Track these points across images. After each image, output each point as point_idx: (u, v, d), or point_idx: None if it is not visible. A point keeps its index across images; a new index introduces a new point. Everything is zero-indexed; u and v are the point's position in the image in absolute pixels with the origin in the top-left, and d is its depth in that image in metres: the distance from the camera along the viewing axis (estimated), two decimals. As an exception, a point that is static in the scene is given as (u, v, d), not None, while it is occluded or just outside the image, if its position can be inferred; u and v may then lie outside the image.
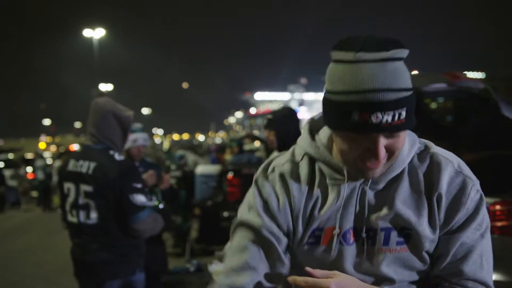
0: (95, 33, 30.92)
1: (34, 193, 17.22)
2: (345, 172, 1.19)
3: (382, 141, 1.09)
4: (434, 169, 1.19)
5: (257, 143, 12.22)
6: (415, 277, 1.23)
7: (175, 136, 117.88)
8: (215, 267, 4.07)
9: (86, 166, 2.71)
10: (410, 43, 1.44)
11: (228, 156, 12.08)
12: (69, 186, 2.76)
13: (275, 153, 2.88)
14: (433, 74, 3.90)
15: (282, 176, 1.27)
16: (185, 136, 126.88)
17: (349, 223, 1.21)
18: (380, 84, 1.03)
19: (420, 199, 1.18)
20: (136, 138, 3.81)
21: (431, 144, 1.26)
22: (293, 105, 63.51)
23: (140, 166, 3.89)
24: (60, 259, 6.81)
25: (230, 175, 7.14)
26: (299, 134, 1.41)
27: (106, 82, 42.44)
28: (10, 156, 24.10)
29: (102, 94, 2.94)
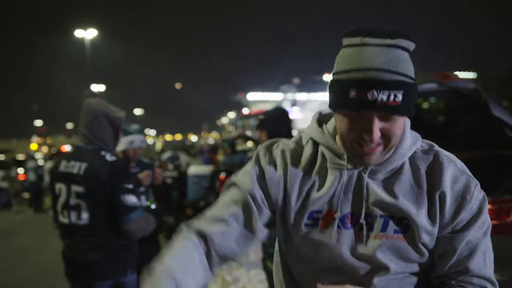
0: (87, 34, 30.79)
1: (26, 195, 17.12)
2: (345, 157, 1.23)
3: (377, 123, 1.13)
4: (436, 167, 1.22)
5: (249, 144, 12.22)
6: (411, 269, 1.24)
7: (168, 137, 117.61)
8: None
9: (77, 167, 2.70)
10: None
11: (220, 157, 12.07)
12: (60, 186, 2.75)
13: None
14: (424, 74, 3.93)
15: (283, 152, 1.32)
16: (178, 136, 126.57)
17: (347, 208, 1.23)
18: (379, 65, 1.10)
19: (420, 193, 1.21)
20: (132, 140, 3.78)
21: (435, 145, 1.30)
22: (286, 105, 63.55)
23: (137, 167, 3.88)
24: (52, 260, 6.77)
25: (222, 175, 7.14)
26: (291, 134, 1.44)
27: (98, 82, 42.38)
28: (1, 157, 24.02)
29: (94, 95, 2.93)
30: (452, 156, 1.26)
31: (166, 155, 11.01)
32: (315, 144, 1.32)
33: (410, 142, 1.24)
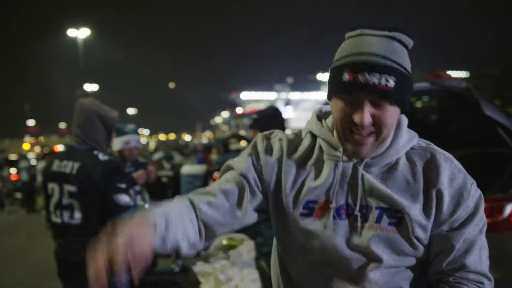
0: (80, 33, 30.65)
1: (18, 195, 17.00)
2: (341, 150, 1.26)
3: (368, 107, 1.15)
4: (433, 164, 1.24)
5: (243, 143, 12.22)
6: (404, 264, 1.25)
7: (161, 136, 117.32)
8: (200, 267, 4.07)
9: (70, 166, 2.70)
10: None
11: (214, 156, 12.07)
12: (53, 186, 2.75)
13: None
14: (417, 73, 3.94)
15: (281, 141, 1.36)
16: (172, 136, 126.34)
17: (342, 199, 1.25)
18: (374, 50, 1.15)
19: (416, 188, 1.23)
20: (128, 140, 3.78)
21: (432, 144, 1.32)
22: (279, 104, 63.58)
23: (132, 166, 3.88)
24: (44, 260, 6.74)
25: (216, 174, 7.15)
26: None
27: (91, 82, 42.14)
28: (-6, 157, 23.80)
29: (87, 94, 2.95)
30: (448, 154, 1.29)
31: (158, 155, 11.01)
32: (314, 137, 1.35)
33: (406, 139, 1.27)
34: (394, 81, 1.13)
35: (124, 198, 2.68)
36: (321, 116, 1.39)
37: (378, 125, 1.17)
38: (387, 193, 1.22)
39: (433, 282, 1.29)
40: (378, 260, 1.22)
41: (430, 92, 4.00)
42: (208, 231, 1.26)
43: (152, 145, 38.32)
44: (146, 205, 3.55)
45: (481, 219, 1.24)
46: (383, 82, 1.12)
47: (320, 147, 1.32)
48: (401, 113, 1.22)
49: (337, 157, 1.27)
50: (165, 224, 1.13)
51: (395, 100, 1.16)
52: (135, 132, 3.85)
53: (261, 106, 34.91)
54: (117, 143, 3.67)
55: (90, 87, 39.50)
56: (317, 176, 1.28)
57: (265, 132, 1.41)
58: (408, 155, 1.27)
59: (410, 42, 1.22)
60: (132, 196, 2.78)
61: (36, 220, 12.44)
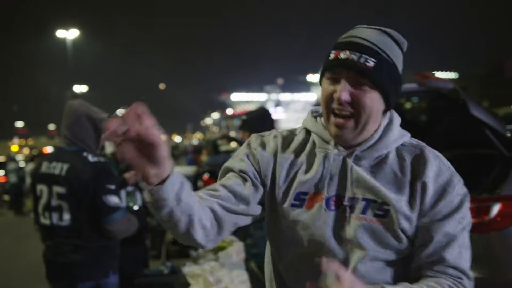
0: (69, 34, 30.47)
1: (6, 197, 16.85)
2: (332, 143, 1.30)
3: (347, 85, 1.22)
4: (422, 159, 1.28)
5: (233, 144, 12.23)
6: (389, 257, 1.26)
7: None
8: (189, 269, 4.07)
9: (59, 168, 2.69)
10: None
11: (204, 157, 12.06)
12: (41, 188, 2.74)
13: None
14: (406, 74, 3.97)
15: (276, 137, 1.40)
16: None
17: (332, 191, 1.28)
18: (361, 35, 1.25)
19: (403, 181, 1.26)
20: None
21: (423, 143, 1.36)
22: (270, 105, 63.63)
23: (125, 168, 3.88)
24: (33, 263, 6.69)
25: (206, 176, 7.15)
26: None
27: (80, 83, 41.81)
28: (-18, 159, 23.54)
29: (76, 96, 2.95)
30: (439, 153, 1.32)
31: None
32: (308, 133, 1.39)
33: (398, 135, 1.32)
34: (374, 62, 1.21)
35: (113, 199, 2.68)
36: (316, 115, 1.43)
37: (356, 106, 1.23)
38: (375, 185, 1.25)
39: (416, 278, 1.27)
40: (363, 250, 1.24)
41: (418, 93, 4.03)
42: (219, 223, 1.24)
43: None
44: (135, 207, 3.55)
45: (465, 217, 1.26)
46: (363, 60, 1.20)
47: (313, 142, 1.36)
48: (385, 103, 1.27)
49: (328, 150, 1.31)
50: (180, 186, 1.10)
51: (373, 81, 1.21)
52: None
53: (252, 107, 34.95)
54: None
55: (80, 88, 39.24)
56: (308, 169, 1.32)
57: (258, 133, 1.44)
58: (398, 151, 1.31)
59: (403, 41, 1.29)
60: (121, 197, 2.78)
61: (25, 222, 12.35)
